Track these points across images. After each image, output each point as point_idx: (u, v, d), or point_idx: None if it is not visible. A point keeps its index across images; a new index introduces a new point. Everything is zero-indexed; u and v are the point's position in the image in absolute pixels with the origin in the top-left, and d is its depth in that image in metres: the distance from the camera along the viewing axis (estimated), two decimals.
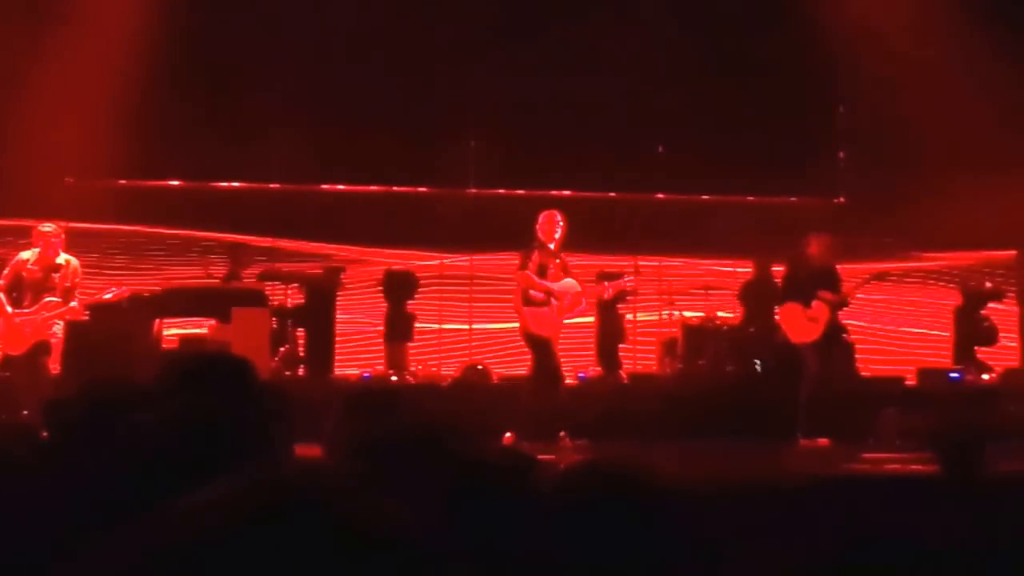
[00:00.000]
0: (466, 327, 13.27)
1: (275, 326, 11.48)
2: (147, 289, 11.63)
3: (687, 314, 12.83)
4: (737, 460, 9.25)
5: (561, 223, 9.87)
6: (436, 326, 13.20)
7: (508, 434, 9.41)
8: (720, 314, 12.65)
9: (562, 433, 9.78)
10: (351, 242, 13.47)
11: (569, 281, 9.86)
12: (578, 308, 10.05)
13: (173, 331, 11.60)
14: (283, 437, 2.94)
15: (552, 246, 9.86)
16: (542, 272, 9.81)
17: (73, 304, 9.78)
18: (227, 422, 2.24)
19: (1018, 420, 10.52)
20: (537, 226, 9.92)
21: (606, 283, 10.71)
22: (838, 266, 10.85)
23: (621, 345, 12.71)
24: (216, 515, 1.17)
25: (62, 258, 9.82)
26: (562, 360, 10.15)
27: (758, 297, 12.28)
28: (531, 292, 9.83)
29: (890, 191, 13.48)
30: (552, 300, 9.78)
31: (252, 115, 12.85)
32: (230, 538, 1.14)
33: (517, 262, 9.99)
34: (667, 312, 13.02)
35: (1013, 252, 13.68)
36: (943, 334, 13.62)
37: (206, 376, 3.12)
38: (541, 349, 9.93)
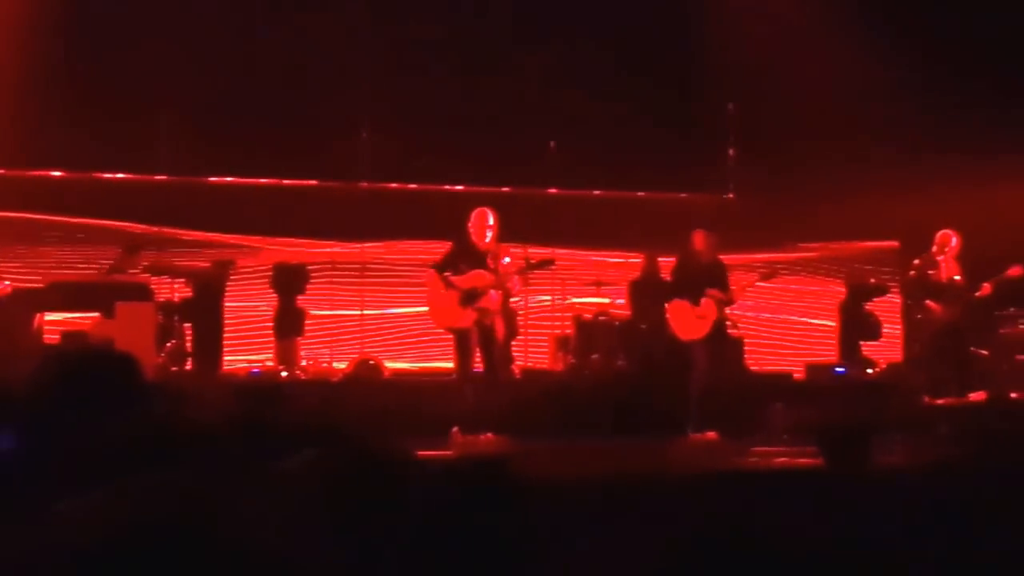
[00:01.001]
0: (357, 312, 13.17)
1: (161, 321, 11.24)
2: (28, 282, 11.32)
3: (578, 300, 12.90)
4: (627, 454, 9.28)
5: (492, 220, 9.87)
6: (328, 312, 13.06)
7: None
8: (618, 301, 12.72)
9: (455, 428, 9.79)
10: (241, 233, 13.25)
11: (481, 272, 9.80)
12: (489, 298, 9.91)
13: (62, 316, 11.28)
14: (173, 435, 2.81)
15: (484, 243, 9.83)
16: (457, 269, 9.82)
17: None
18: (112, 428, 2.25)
19: (901, 414, 10.72)
20: (469, 224, 9.92)
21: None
22: (727, 260, 11.01)
23: (513, 341, 12.68)
24: (89, 528, 1.16)
25: None
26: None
27: (647, 294, 12.35)
28: (434, 286, 9.87)
29: (779, 187, 13.64)
30: (458, 293, 9.78)
31: (139, 106, 12.56)
32: (102, 551, 1.13)
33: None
34: (559, 298, 13.06)
35: (896, 243, 13.98)
36: (829, 323, 13.85)
37: (89, 377, 3.03)
38: (455, 342, 9.94)
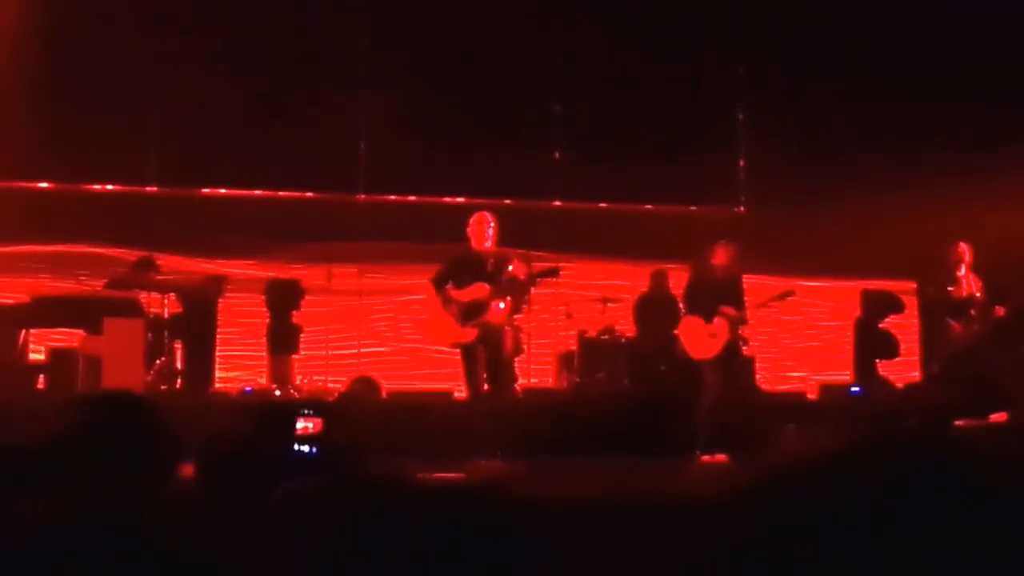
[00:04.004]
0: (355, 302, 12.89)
1: (150, 338, 10.86)
2: (11, 297, 11.02)
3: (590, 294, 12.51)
4: (633, 476, 8.94)
5: (492, 224, 9.48)
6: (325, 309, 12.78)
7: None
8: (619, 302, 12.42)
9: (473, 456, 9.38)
10: (235, 253, 12.91)
11: (482, 284, 9.38)
12: (496, 310, 9.44)
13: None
14: (164, 457, 2.94)
15: (485, 249, 9.42)
16: (458, 279, 9.40)
17: None
18: None
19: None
20: (468, 229, 9.54)
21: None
22: (743, 276, 10.65)
23: (517, 358, 12.34)
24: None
25: None
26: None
27: (655, 311, 12.02)
28: (433, 302, 9.47)
29: (792, 199, 13.30)
30: (458, 308, 9.37)
31: (129, 116, 12.30)
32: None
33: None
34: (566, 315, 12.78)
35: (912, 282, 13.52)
36: (844, 340, 13.47)
37: None
38: (462, 359, 9.51)
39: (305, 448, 3.41)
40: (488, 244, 9.47)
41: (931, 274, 12.01)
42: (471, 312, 9.38)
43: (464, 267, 9.48)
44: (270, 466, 3.11)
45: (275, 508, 2.21)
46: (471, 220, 9.63)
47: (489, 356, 9.40)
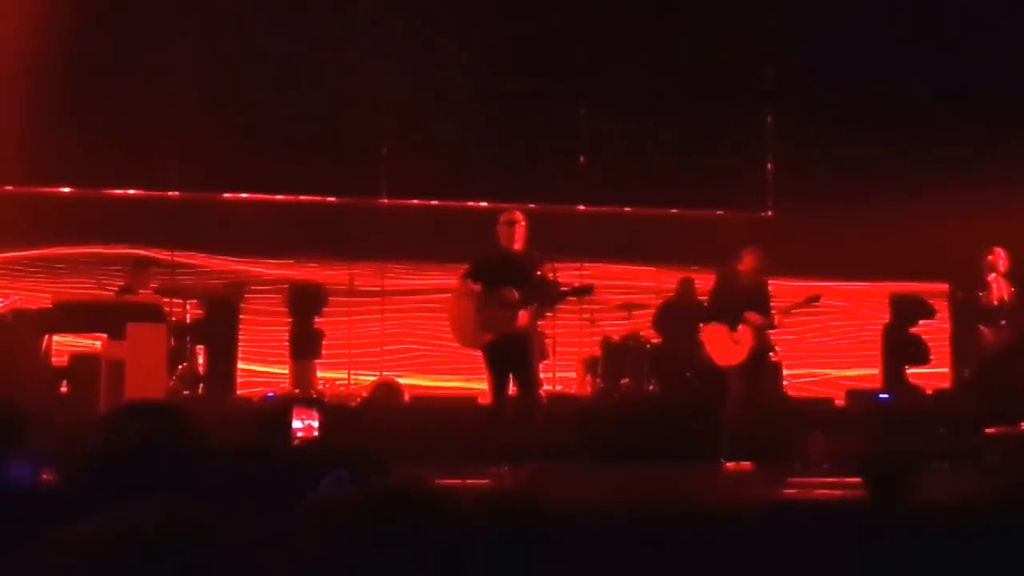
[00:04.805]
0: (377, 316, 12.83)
1: (173, 343, 10.85)
2: (35, 302, 11.01)
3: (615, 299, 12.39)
4: (658, 482, 8.84)
5: (522, 224, 9.27)
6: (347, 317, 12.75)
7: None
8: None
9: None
10: (258, 257, 12.90)
11: (510, 289, 9.18)
12: (523, 313, 9.25)
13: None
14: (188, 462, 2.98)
15: (514, 248, 9.24)
16: (486, 280, 9.20)
17: None
18: None
19: (950, 444, 10.21)
20: (497, 228, 9.32)
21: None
22: (769, 281, 10.52)
23: (541, 363, 12.25)
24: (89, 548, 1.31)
25: None
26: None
27: (680, 316, 11.91)
28: (461, 299, 9.27)
29: (821, 204, 13.17)
30: (486, 308, 9.18)
31: (151, 120, 12.32)
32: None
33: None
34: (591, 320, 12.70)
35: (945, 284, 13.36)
36: (873, 326, 13.33)
37: None
38: (485, 362, 9.28)
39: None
40: (518, 245, 9.27)
41: (962, 279, 11.86)
42: (500, 312, 9.18)
43: (493, 267, 9.21)
44: (274, 467, 3.23)
45: (303, 517, 2.22)
46: (501, 219, 9.36)
47: (513, 360, 9.20)
